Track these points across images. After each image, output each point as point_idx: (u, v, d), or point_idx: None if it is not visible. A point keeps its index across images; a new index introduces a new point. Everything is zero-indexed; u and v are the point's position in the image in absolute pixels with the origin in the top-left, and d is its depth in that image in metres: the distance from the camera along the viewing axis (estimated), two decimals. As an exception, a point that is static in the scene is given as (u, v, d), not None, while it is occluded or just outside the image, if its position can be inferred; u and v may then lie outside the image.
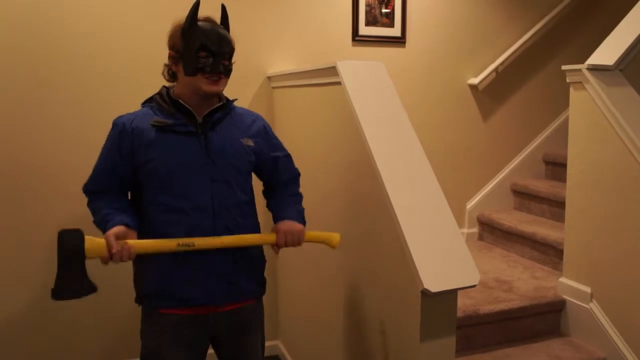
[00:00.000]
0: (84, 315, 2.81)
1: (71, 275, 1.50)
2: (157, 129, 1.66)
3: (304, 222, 1.82)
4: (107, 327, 2.86)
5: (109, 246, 1.51)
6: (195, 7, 1.64)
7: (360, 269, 2.07)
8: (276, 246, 1.75)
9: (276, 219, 1.82)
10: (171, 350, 1.71)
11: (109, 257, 1.51)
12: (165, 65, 1.74)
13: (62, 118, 2.68)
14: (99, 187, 1.71)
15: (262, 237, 1.76)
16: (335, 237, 1.82)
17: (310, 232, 1.80)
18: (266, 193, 1.94)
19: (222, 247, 1.66)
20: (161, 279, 1.68)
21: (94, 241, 1.51)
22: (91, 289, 1.53)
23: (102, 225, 1.61)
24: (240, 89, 2.82)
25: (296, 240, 1.75)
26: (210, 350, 1.82)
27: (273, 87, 3.03)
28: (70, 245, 1.49)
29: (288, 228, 1.74)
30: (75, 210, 2.71)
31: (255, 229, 1.83)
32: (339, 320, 2.27)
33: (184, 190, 1.66)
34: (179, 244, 1.59)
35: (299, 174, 1.96)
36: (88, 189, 1.74)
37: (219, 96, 1.77)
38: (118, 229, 1.55)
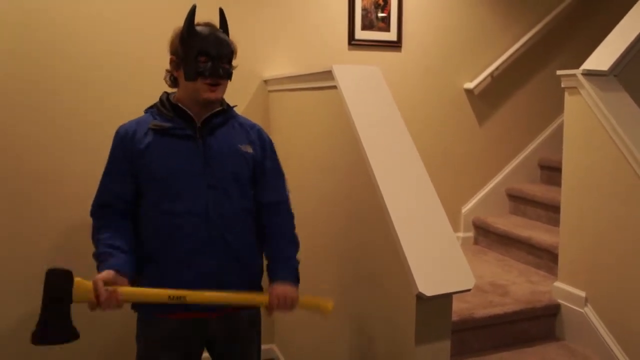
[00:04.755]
0: (80, 319, 2.79)
1: (55, 320, 1.45)
2: (156, 132, 1.66)
3: (298, 281, 1.78)
4: (103, 331, 2.84)
5: (96, 293, 1.46)
6: (192, 13, 1.64)
7: (356, 273, 2.07)
8: (269, 309, 1.70)
9: (271, 278, 1.76)
10: (166, 354, 1.71)
11: (97, 303, 1.48)
12: (167, 71, 1.73)
13: (62, 121, 2.68)
14: (106, 200, 1.68)
15: (255, 298, 1.72)
16: (329, 304, 1.77)
17: (304, 299, 1.74)
18: (259, 225, 1.85)
19: (214, 302, 1.62)
20: (159, 286, 1.64)
21: (83, 284, 1.46)
22: (73, 335, 1.48)
23: (97, 263, 1.59)
24: (236, 93, 2.82)
25: (289, 306, 1.70)
26: (205, 354, 1.82)
27: (269, 91, 3.03)
28: (58, 288, 1.44)
29: (282, 293, 1.69)
30: (74, 213, 2.70)
31: (253, 238, 1.80)
32: (335, 324, 2.27)
33: (179, 194, 1.65)
34: (170, 297, 1.55)
35: (286, 201, 1.86)
36: (95, 204, 1.70)
37: (220, 101, 1.76)
38: (107, 274, 1.51)
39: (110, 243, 1.61)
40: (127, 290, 1.53)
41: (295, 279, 1.77)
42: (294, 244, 1.85)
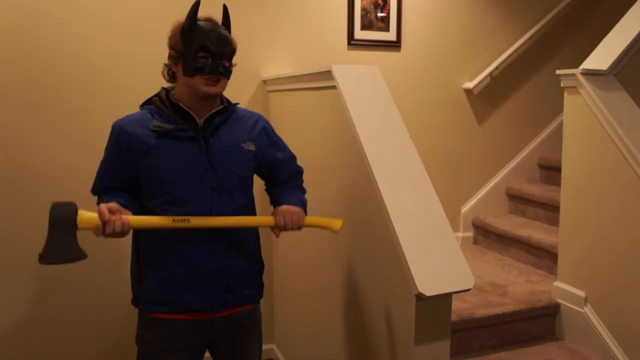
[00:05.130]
0: (80, 320, 2.80)
1: (61, 240, 1.47)
2: (157, 134, 1.64)
3: (304, 209, 1.79)
4: (103, 332, 2.84)
5: (101, 215, 1.47)
6: (196, 6, 1.62)
7: (356, 273, 2.07)
8: (276, 228, 1.71)
9: (275, 204, 1.78)
10: (167, 355, 1.70)
11: (102, 227, 1.48)
12: (165, 65, 1.71)
13: (62, 120, 2.68)
14: (104, 190, 1.69)
15: (261, 219, 1.74)
16: (337, 222, 1.78)
17: (311, 218, 1.76)
18: (268, 190, 1.92)
19: (219, 226, 1.63)
20: (160, 285, 1.67)
21: (87, 212, 1.49)
22: (80, 255, 1.48)
23: None
24: (235, 92, 2.80)
25: (296, 222, 1.70)
26: (207, 354, 1.81)
27: (269, 91, 3.03)
28: (61, 213, 1.46)
29: (287, 210, 1.71)
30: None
31: (255, 235, 1.82)
32: (334, 324, 2.27)
33: (182, 197, 1.64)
34: (174, 220, 1.56)
35: (301, 171, 1.93)
36: (94, 192, 1.72)
37: (220, 98, 1.75)
38: (112, 204, 1.52)
39: (112, 194, 1.64)
40: (132, 216, 1.55)
41: (302, 204, 1.79)
42: (301, 189, 1.89)
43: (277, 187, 1.88)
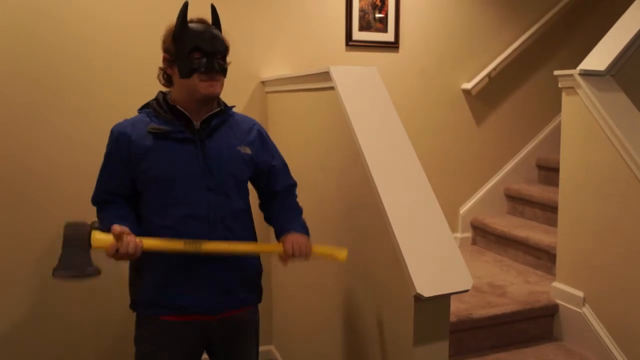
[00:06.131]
0: (78, 320, 2.79)
1: (74, 256, 1.47)
2: (154, 136, 1.64)
3: (308, 235, 1.80)
4: (101, 332, 2.84)
5: (116, 236, 1.48)
6: (184, 9, 1.63)
7: (354, 274, 2.07)
8: (284, 256, 1.71)
9: (281, 231, 1.78)
10: (165, 356, 1.70)
11: (115, 248, 1.48)
12: (160, 69, 1.71)
13: (62, 122, 2.67)
14: (105, 197, 1.69)
15: (271, 246, 1.74)
16: (342, 253, 1.79)
17: (318, 247, 1.76)
18: (263, 206, 1.91)
19: (229, 252, 1.64)
20: (158, 288, 1.67)
21: (99, 233, 1.49)
22: (94, 271, 1.48)
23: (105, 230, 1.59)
24: (234, 94, 2.82)
25: (304, 251, 1.71)
26: (204, 356, 1.82)
27: (267, 92, 3.03)
28: (75, 233, 1.46)
29: (296, 240, 1.71)
30: (74, 214, 2.69)
31: (252, 238, 1.82)
32: (333, 325, 2.27)
33: (180, 198, 1.64)
34: (185, 244, 1.57)
35: (295, 184, 1.93)
36: (95, 201, 1.71)
37: (217, 101, 1.75)
38: (123, 227, 1.53)
39: (116, 214, 1.64)
40: (145, 238, 1.55)
41: (306, 232, 1.80)
42: (300, 211, 1.90)
43: (272, 203, 1.88)
